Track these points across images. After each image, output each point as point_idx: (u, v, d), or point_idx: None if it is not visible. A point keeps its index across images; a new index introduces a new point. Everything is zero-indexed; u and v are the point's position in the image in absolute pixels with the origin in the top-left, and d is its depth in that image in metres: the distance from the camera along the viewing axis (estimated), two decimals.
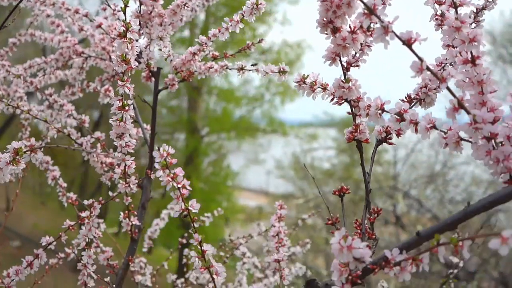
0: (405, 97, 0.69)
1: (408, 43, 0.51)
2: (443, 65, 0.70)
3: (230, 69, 0.97)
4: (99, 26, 1.06)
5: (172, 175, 0.62)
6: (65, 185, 1.11)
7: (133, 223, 0.98)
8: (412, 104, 0.69)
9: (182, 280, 1.49)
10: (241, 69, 0.95)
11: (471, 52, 0.54)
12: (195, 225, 0.64)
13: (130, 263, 1.00)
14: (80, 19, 1.11)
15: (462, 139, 0.55)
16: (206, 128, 11.85)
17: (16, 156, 0.67)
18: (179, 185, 0.62)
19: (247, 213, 11.43)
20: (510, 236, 0.40)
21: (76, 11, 1.10)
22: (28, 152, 0.66)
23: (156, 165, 0.61)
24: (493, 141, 0.54)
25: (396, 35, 0.51)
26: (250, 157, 12.48)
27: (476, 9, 0.72)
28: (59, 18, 1.27)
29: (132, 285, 1.31)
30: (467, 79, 0.54)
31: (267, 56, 10.70)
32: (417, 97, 0.69)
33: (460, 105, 0.52)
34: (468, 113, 0.51)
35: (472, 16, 0.71)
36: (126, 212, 0.97)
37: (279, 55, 10.28)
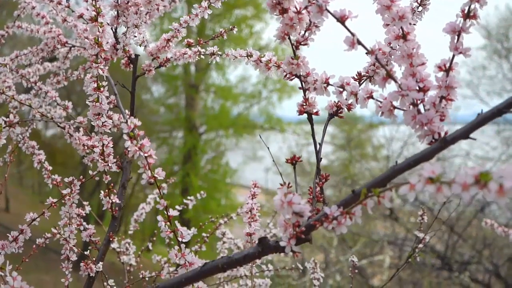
0: (356, 75, 0.75)
1: (342, 20, 0.57)
2: (391, 44, 0.76)
3: (203, 54, 1.03)
4: (81, 16, 1.11)
5: (139, 145, 0.68)
6: (50, 168, 1.16)
7: (113, 201, 1.04)
8: (362, 81, 0.75)
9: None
10: (212, 54, 1.01)
11: (401, 28, 0.60)
12: (161, 192, 0.70)
13: (110, 239, 1.06)
14: (63, 10, 1.17)
15: (395, 107, 0.61)
16: (204, 125, 11.91)
17: None
18: (146, 155, 0.68)
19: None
20: (417, 183, 0.45)
21: (59, 3, 1.16)
22: (7, 128, 0.72)
23: (125, 136, 0.67)
24: (422, 107, 0.60)
25: (330, 13, 0.57)
26: (248, 154, 12.53)
27: None
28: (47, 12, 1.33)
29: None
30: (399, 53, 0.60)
31: (264, 53, 10.75)
32: (367, 74, 0.75)
33: (388, 75, 0.57)
34: (396, 82, 0.57)
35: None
36: (107, 190, 1.03)
37: (276, 51, 10.32)
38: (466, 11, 0.58)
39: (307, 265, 1.22)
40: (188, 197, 1.47)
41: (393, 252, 6.72)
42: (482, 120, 0.53)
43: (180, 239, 0.71)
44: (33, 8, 1.27)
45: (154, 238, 1.56)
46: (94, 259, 1.00)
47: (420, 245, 1.16)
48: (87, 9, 1.13)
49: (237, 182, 12.85)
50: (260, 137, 1.07)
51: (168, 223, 0.71)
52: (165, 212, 0.71)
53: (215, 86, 12.19)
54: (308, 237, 0.62)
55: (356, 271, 1.33)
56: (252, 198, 1.02)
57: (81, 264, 1.01)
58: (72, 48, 1.27)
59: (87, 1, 1.14)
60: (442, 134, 0.56)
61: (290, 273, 5.95)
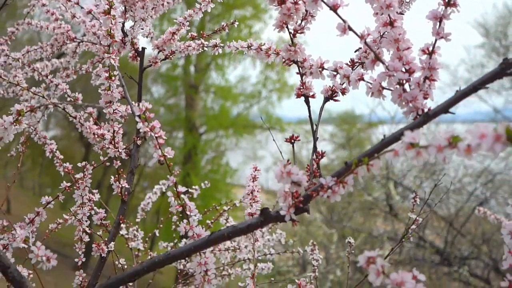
0: (349, 61, 0.81)
1: (334, 8, 0.63)
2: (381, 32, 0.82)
3: (206, 47, 1.09)
4: (89, 12, 1.18)
5: (150, 126, 0.74)
6: (61, 156, 1.23)
7: (123, 186, 1.10)
8: (355, 66, 0.81)
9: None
10: (215, 46, 1.07)
11: (389, 16, 0.66)
12: (170, 169, 0.77)
13: (120, 222, 1.12)
14: (72, 6, 1.23)
15: (383, 87, 0.67)
16: (204, 126, 11.97)
17: (19, 116, 0.79)
18: (157, 135, 0.74)
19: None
20: (400, 148, 0.52)
21: (68, 0, 1.22)
22: (29, 112, 0.78)
23: (137, 118, 0.73)
24: (408, 87, 0.66)
25: (324, 2, 0.63)
26: (248, 154, 12.59)
27: None
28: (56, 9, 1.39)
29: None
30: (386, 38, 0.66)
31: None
32: (359, 60, 0.81)
33: (376, 57, 0.64)
34: (383, 63, 0.63)
35: None
36: (117, 176, 1.09)
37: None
38: (447, 0, 0.64)
39: (307, 248, 1.28)
40: (193, 186, 1.53)
41: (392, 248, 6.77)
42: (460, 96, 0.59)
43: (188, 212, 0.77)
44: (43, 5, 1.33)
45: (160, 227, 1.62)
46: (105, 239, 1.07)
47: (413, 226, 1.22)
48: (96, 6, 1.19)
49: (238, 182, 12.89)
50: (269, 129, 1.13)
51: (178, 198, 0.77)
52: (175, 188, 0.77)
53: (215, 86, 12.26)
54: (306, 207, 0.68)
55: (356, 265, 1.39)
56: (253, 181, 1.08)
57: (93, 245, 1.07)
58: (80, 43, 1.33)
59: None
60: (426, 110, 0.63)
61: (291, 269, 6.01)
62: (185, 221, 0.77)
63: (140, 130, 0.74)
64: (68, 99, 1.21)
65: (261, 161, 12.66)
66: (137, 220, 1.55)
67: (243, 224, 0.71)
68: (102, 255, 1.07)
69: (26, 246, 0.75)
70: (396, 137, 0.62)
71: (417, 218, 1.20)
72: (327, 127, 11.12)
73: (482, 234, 6.19)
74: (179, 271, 1.49)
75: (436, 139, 0.47)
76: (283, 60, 0.75)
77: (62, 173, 1.20)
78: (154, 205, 1.74)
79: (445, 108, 0.59)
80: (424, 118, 0.59)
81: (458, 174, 7.56)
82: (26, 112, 0.77)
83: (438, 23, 0.64)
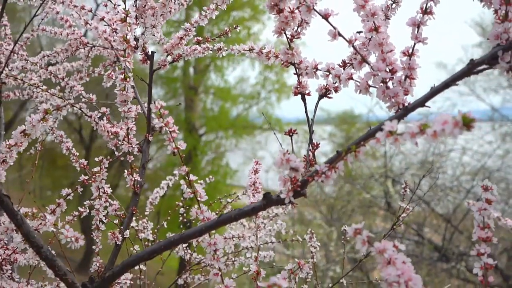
0: (341, 62, 0.91)
1: (325, 17, 0.73)
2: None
3: (211, 50, 1.19)
4: (102, 19, 1.27)
5: (165, 122, 0.83)
6: (77, 153, 1.32)
7: (136, 179, 1.20)
8: (346, 67, 0.91)
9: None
10: (219, 49, 1.17)
11: (374, 23, 0.76)
12: (182, 159, 0.86)
13: (133, 212, 1.21)
14: (86, 14, 1.33)
15: (369, 85, 0.77)
16: (204, 127, 12.06)
17: (46, 114, 0.88)
18: (171, 130, 0.84)
19: None
20: (381, 136, 0.61)
21: (82, 8, 1.32)
22: (55, 111, 0.87)
23: (153, 115, 0.83)
24: (391, 84, 0.76)
25: (317, 11, 0.73)
26: (248, 154, 12.68)
27: None
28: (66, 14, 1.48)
29: None
30: (372, 42, 0.76)
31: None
32: (350, 62, 0.91)
33: (363, 59, 0.73)
34: (369, 64, 0.73)
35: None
36: (130, 170, 1.19)
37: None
38: (424, 8, 0.74)
39: (306, 236, 1.38)
40: (198, 181, 1.62)
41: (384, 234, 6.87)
42: (434, 91, 0.68)
43: (199, 198, 0.87)
44: (57, 13, 1.42)
45: (167, 219, 1.71)
46: (120, 227, 1.16)
47: (404, 215, 1.31)
48: (107, 13, 1.29)
49: (238, 182, 12.97)
50: (273, 129, 1.22)
51: (190, 185, 0.87)
52: (187, 177, 0.87)
53: (214, 87, 12.35)
54: (304, 192, 0.78)
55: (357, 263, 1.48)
56: (255, 174, 1.18)
57: (109, 233, 1.17)
58: (93, 48, 1.43)
59: (106, 6, 1.30)
60: (406, 104, 0.72)
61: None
62: (196, 206, 0.87)
63: (156, 125, 0.84)
64: (83, 100, 1.31)
65: (261, 162, 12.69)
66: (145, 213, 1.64)
67: (248, 207, 0.80)
68: (117, 243, 1.17)
69: (55, 230, 0.85)
70: (379, 128, 0.71)
71: (407, 207, 1.30)
72: (327, 127, 11.21)
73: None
74: (186, 261, 1.58)
75: (408, 127, 0.56)
76: (282, 62, 0.85)
77: (78, 169, 1.29)
78: (154, 207, 1.84)
79: (422, 102, 0.69)
80: (404, 111, 0.69)
81: (456, 172, 7.67)
82: (52, 111, 0.87)
83: (416, 29, 0.74)
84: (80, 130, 9.81)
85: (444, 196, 7.05)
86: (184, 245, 1.62)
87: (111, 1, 1.18)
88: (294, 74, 0.86)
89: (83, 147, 10.75)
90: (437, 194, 7.01)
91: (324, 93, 0.89)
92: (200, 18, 1.13)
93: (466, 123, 0.50)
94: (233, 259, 1.47)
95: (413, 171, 7.35)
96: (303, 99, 0.87)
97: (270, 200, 0.79)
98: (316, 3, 0.74)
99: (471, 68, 0.67)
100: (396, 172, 7.34)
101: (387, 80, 0.73)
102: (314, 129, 0.90)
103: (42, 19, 1.54)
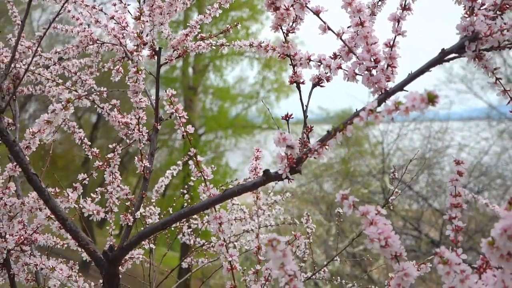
0: (332, 54, 1.01)
1: (317, 13, 0.83)
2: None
3: (214, 46, 1.29)
4: (112, 17, 1.37)
5: (175, 108, 0.94)
6: (89, 143, 1.42)
7: (145, 165, 1.30)
8: (337, 58, 1.01)
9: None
10: (222, 45, 1.27)
11: (359, 18, 0.86)
12: (190, 142, 0.96)
13: (143, 196, 1.31)
14: (97, 13, 1.43)
15: (356, 73, 0.87)
16: (203, 127, 12.17)
17: (67, 103, 0.98)
18: (180, 115, 0.94)
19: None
20: (363, 114, 0.71)
21: (93, 7, 1.42)
22: (77, 100, 0.97)
23: (164, 102, 0.93)
24: (375, 72, 0.86)
25: (309, 8, 0.83)
26: (247, 154, 12.77)
27: None
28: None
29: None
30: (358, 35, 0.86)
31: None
32: (339, 54, 1.01)
33: (350, 50, 0.84)
34: (355, 55, 0.83)
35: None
36: (140, 156, 1.29)
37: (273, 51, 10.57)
38: (403, 5, 0.84)
39: (302, 219, 1.48)
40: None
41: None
42: (411, 77, 0.79)
43: (205, 177, 0.97)
44: (69, 11, 1.52)
45: (173, 206, 1.81)
46: (132, 209, 1.26)
47: (393, 197, 1.42)
48: (116, 11, 1.39)
49: (238, 182, 12.95)
50: (277, 127, 1.32)
51: (198, 166, 0.97)
52: (194, 158, 0.97)
53: (213, 87, 12.45)
54: (299, 168, 0.88)
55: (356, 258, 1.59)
56: (256, 160, 1.28)
57: (121, 215, 1.27)
58: (102, 45, 1.52)
59: (115, 5, 1.40)
60: (388, 89, 0.83)
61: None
62: (203, 184, 0.97)
63: (167, 111, 0.94)
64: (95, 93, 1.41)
65: (261, 161, 12.78)
66: (152, 200, 1.75)
67: (249, 182, 0.91)
68: (129, 224, 1.27)
69: (76, 206, 0.95)
70: (363, 109, 0.81)
71: (396, 190, 1.40)
72: (325, 126, 11.31)
73: (475, 224, 6.41)
74: (190, 245, 1.68)
75: (386, 105, 0.66)
76: (279, 54, 0.95)
77: (91, 157, 1.39)
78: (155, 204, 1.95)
79: (401, 87, 0.79)
80: (385, 95, 0.79)
81: (453, 169, 7.79)
82: (74, 100, 0.97)
83: (396, 23, 0.84)
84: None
85: (441, 191, 7.16)
86: (189, 230, 1.72)
87: (121, 1, 1.28)
88: (290, 65, 0.97)
89: (83, 148, 10.84)
90: (434, 190, 7.14)
91: (317, 82, 0.99)
92: (204, 17, 1.24)
93: (431, 99, 0.60)
94: (235, 241, 1.57)
95: (410, 167, 7.47)
96: (298, 87, 0.97)
97: (269, 176, 0.89)
98: (309, 1, 0.84)
99: (442, 57, 0.77)
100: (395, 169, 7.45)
101: (371, 68, 0.83)
102: (314, 128, 1.00)
103: (54, 18, 1.64)
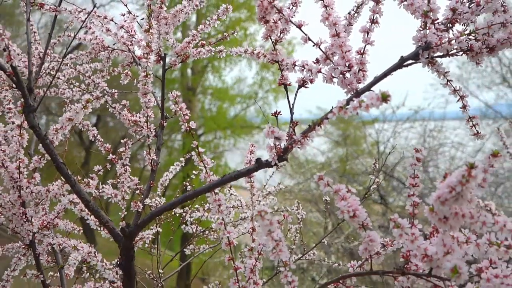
0: (315, 59, 1.18)
1: (299, 26, 1.00)
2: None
3: (214, 52, 1.45)
4: (122, 27, 1.54)
5: (180, 107, 1.10)
6: (102, 139, 1.58)
7: (153, 158, 1.46)
8: (318, 63, 1.17)
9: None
10: (220, 51, 1.43)
11: (335, 30, 1.02)
12: (193, 136, 1.13)
13: (151, 186, 1.48)
14: (108, 22, 1.59)
15: (333, 76, 1.03)
16: (202, 127, 12.32)
17: (87, 103, 1.15)
18: (184, 113, 1.10)
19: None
20: (335, 109, 0.87)
21: (105, 17, 1.58)
22: (95, 100, 1.14)
23: (170, 101, 1.09)
24: (348, 75, 1.02)
25: (292, 22, 0.99)
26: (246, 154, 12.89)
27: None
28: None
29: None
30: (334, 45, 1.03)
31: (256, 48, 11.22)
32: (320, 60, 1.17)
33: (327, 57, 1.00)
34: (331, 61, 1.00)
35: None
36: (148, 150, 1.45)
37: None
38: (372, 19, 1.01)
39: (293, 207, 1.64)
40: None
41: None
42: (377, 79, 0.95)
43: (206, 165, 1.13)
44: (82, 21, 1.68)
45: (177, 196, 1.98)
46: (142, 197, 1.42)
47: (374, 186, 1.58)
48: (125, 21, 1.55)
49: (236, 182, 13.06)
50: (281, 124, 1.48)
51: (199, 156, 1.13)
52: (196, 149, 1.14)
53: (212, 88, 12.60)
54: (285, 157, 1.04)
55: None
56: (251, 154, 1.45)
57: (132, 203, 1.43)
58: (112, 51, 1.69)
59: (124, 15, 1.56)
60: (358, 90, 0.99)
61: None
62: (204, 171, 1.13)
63: (172, 110, 1.10)
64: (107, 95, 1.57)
65: (254, 155, 12.92)
66: (157, 193, 1.91)
67: (244, 169, 1.07)
68: (139, 210, 1.43)
69: (97, 192, 1.11)
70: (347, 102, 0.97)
71: (377, 179, 1.56)
72: (325, 126, 11.42)
73: None
74: (191, 234, 1.85)
75: (352, 103, 0.83)
76: (268, 60, 1.11)
77: (104, 152, 1.56)
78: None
79: (368, 88, 0.96)
80: (355, 94, 0.96)
81: (450, 167, 7.97)
82: (93, 100, 1.13)
83: (366, 34, 1.01)
84: (80, 132, 10.07)
85: (436, 189, 7.31)
86: (191, 218, 1.89)
87: (130, 13, 1.44)
88: (278, 69, 1.13)
89: (83, 149, 11.02)
90: (429, 187, 7.30)
91: (302, 83, 1.15)
92: (205, 26, 1.40)
93: (384, 98, 0.77)
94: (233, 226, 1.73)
95: (406, 165, 7.65)
96: (285, 88, 1.14)
97: (260, 163, 1.05)
98: (293, 16, 1.01)
99: (402, 62, 0.93)
100: (389, 167, 7.64)
101: (345, 72, 1.00)
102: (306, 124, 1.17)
103: (67, 27, 1.80)
